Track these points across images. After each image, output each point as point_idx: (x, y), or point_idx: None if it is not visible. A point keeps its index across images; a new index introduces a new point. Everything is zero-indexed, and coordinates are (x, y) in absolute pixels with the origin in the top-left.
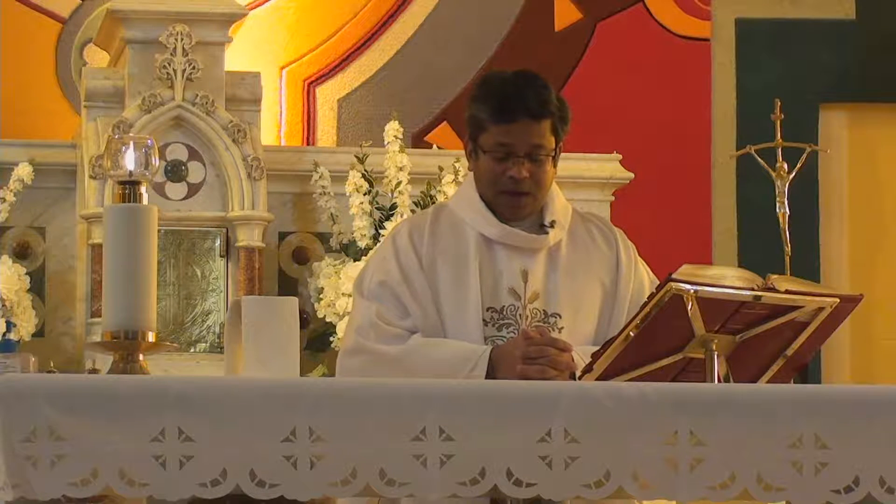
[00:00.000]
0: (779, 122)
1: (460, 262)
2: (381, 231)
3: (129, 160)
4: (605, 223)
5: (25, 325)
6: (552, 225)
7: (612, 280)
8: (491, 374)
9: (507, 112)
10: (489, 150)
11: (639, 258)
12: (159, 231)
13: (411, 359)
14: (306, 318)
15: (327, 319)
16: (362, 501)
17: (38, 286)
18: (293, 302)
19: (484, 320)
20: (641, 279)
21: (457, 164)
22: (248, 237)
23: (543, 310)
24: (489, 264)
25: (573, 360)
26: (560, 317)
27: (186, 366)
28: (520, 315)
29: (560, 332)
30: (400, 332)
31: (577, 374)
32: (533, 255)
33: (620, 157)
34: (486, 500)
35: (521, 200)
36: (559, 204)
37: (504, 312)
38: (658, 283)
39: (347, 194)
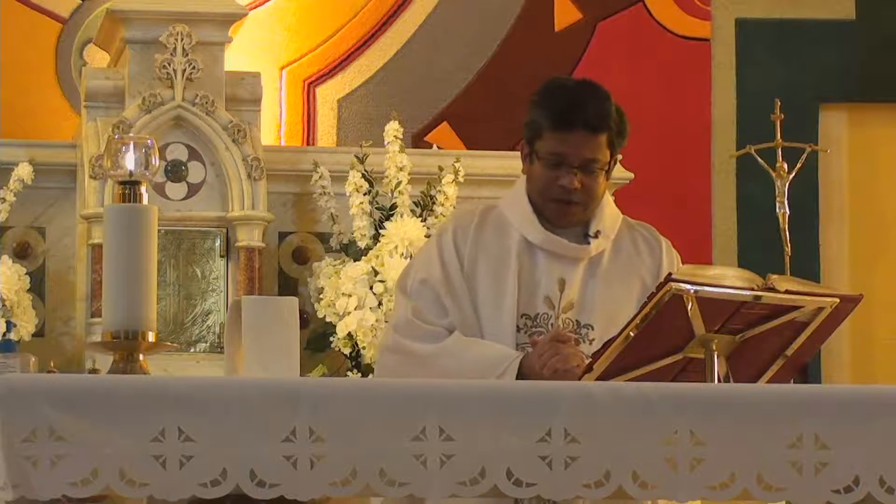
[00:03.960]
0: (779, 122)
1: (501, 265)
2: (381, 231)
3: (129, 160)
4: (651, 232)
5: (25, 325)
6: (596, 235)
7: (653, 284)
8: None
9: (565, 122)
10: (543, 156)
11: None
12: (159, 231)
13: (442, 359)
14: (306, 318)
15: (327, 319)
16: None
17: (38, 286)
18: (293, 302)
19: (518, 327)
20: None
21: (457, 164)
22: (248, 237)
23: (576, 320)
24: (529, 271)
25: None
26: (592, 328)
27: (186, 366)
28: (552, 324)
29: (591, 343)
30: (436, 329)
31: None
32: (574, 263)
33: (620, 157)
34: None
35: (570, 209)
36: (608, 213)
37: (537, 320)
38: None
39: (347, 194)
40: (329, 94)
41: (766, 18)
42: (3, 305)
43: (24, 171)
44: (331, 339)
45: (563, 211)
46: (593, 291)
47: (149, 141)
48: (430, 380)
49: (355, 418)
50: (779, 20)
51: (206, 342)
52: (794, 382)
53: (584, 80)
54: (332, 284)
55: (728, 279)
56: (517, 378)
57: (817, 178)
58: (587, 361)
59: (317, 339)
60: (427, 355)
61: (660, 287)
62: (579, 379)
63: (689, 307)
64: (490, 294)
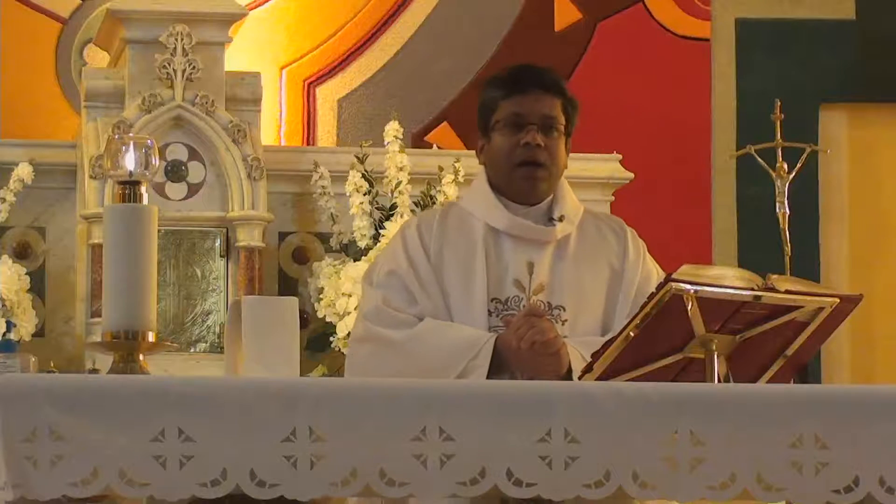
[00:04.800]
0: (779, 122)
1: (468, 253)
2: (381, 231)
3: (129, 160)
4: (616, 221)
5: (25, 325)
6: (561, 219)
7: (620, 265)
8: (496, 361)
9: (519, 83)
10: (503, 120)
11: (648, 255)
12: (159, 231)
13: (416, 344)
14: (306, 318)
15: (327, 319)
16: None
17: (38, 286)
18: (293, 302)
19: (489, 311)
20: (649, 271)
21: (457, 164)
22: (248, 237)
23: (548, 302)
24: (496, 256)
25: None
26: (564, 309)
27: (186, 366)
28: (523, 307)
29: (564, 324)
30: (406, 317)
31: (578, 374)
32: (540, 247)
33: (620, 157)
34: (496, 500)
35: (537, 172)
36: (570, 200)
37: (508, 304)
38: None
39: (347, 194)
40: (329, 94)
41: (766, 18)
42: (3, 305)
43: (24, 171)
44: (331, 339)
45: (530, 175)
46: (562, 273)
47: (149, 141)
48: (430, 380)
49: (355, 418)
50: (779, 20)
51: (206, 342)
52: (794, 382)
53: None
54: (332, 284)
55: (728, 279)
56: (493, 357)
57: (817, 178)
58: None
59: (317, 339)
60: (401, 341)
61: (660, 287)
62: (558, 351)
63: (689, 307)
64: (459, 281)
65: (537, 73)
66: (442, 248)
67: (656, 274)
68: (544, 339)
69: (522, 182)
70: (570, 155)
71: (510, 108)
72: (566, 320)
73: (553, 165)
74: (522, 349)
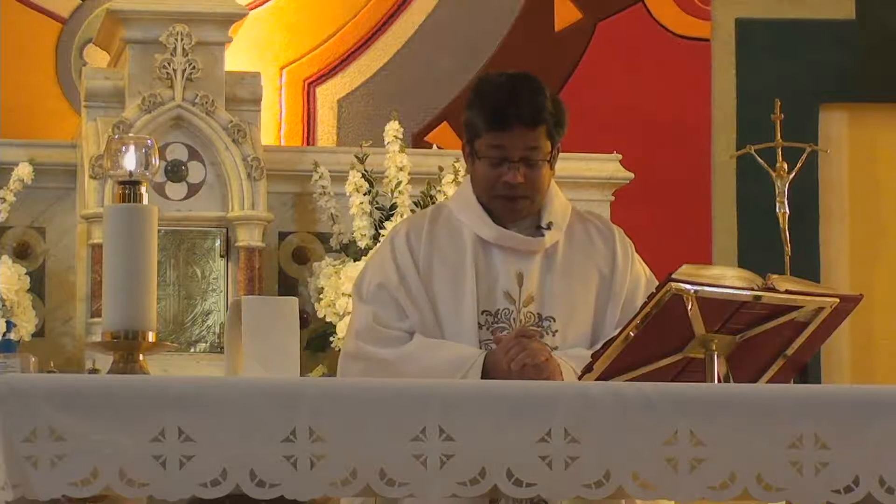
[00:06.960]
0: (779, 122)
1: (457, 264)
2: (381, 231)
3: (129, 160)
4: (603, 222)
5: (25, 325)
6: (549, 227)
7: (610, 270)
8: (485, 378)
9: (500, 119)
10: (484, 155)
11: (636, 255)
12: (159, 231)
13: (406, 363)
14: (306, 318)
15: (327, 319)
16: (362, 501)
17: (38, 286)
18: (293, 302)
19: (479, 323)
20: (638, 275)
21: (457, 164)
22: (248, 237)
23: (538, 313)
24: (485, 267)
25: (544, 344)
26: (554, 320)
27: (186, 366)
28: (514, 319)
29: (554, 335)
30: (397, 334)
31: (578, 373)
32: (530, 257)
33: (620, 157)
34: (486, 500)
35: (517, 204)
36: (558, 204)
37: (498, 316)
38: (656, 280)
39: (347, 194)
40: (329, 94)
41: (766, 18)
42: (3, 305)
43: (24, 171)
44: (331, 339)
45: (510, 207)
46: (552, 283)
47: (149, 141)
48: (430, 380)
49: (355, 418)
50: (779, 20)
51: (206, 342)
52: (794, 382)
53: (517, 74)
54: (332, 284)
55: (728, 279)
56: (482, 376)
57: (817, 178)
58: (552, 356)
59: (317, 339)
60: (391, 360)
61: (660, 287)
62: (548, 374)
63: (689, 307)
64: (449, 293)
65: (518, 108)
66: (431, 256)
67: (644, 276)
68: (535, 363)
69: (503, 212)
70: (571, 155)
71: (491, 143)
72: (556, 331)
73: (536, 192)
74: (513, 370)
